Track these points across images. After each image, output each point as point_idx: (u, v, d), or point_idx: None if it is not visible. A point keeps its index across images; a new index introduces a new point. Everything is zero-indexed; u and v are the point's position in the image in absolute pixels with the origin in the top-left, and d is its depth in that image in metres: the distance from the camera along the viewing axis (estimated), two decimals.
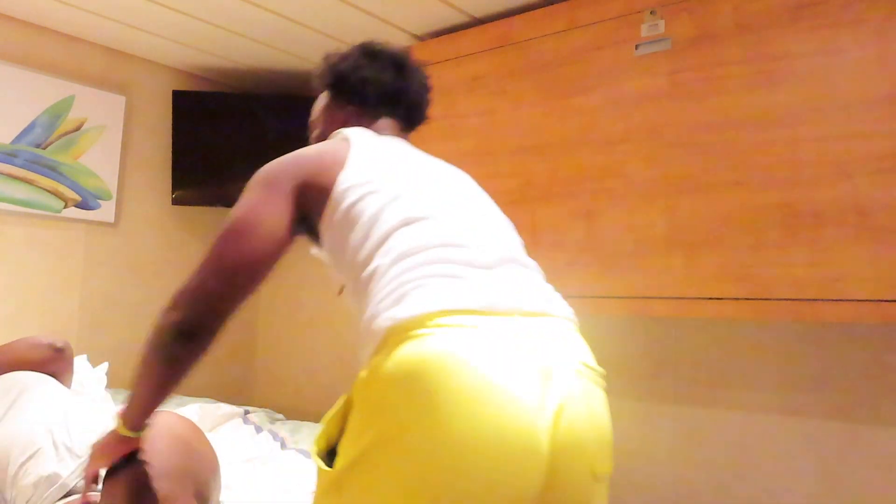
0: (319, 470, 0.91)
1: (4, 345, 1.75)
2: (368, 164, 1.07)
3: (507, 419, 0.80)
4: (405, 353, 0.84)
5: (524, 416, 0.81)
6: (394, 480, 0.80)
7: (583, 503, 0.87)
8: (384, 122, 1.27)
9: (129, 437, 1.13)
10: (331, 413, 0.93)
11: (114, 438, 1.14)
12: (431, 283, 0.91)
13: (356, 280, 1.00)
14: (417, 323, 0.86)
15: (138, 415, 1.10)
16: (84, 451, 1.43)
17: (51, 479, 1.36)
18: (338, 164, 1.07)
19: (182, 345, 1.00)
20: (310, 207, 1.07)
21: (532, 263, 1.04)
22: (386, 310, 0.90)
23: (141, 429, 1.13)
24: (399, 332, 0.86)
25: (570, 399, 0.86)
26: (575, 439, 0.85)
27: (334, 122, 1.27)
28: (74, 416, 1.53)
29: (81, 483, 1.38)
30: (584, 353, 0.95)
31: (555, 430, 0.83)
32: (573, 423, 0.85)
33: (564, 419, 0.84)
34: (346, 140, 1.13)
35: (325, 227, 1.06)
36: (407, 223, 0.99)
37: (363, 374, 0.88)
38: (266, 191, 1.05)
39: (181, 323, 1.00)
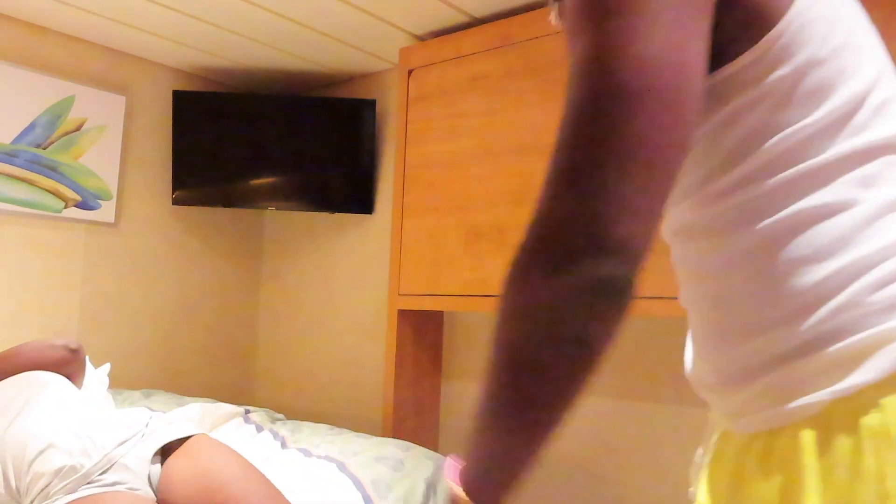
0: None
1: (19, 346, 1.75)
2: (837, 8, 0.65)
3: None
4: None
5: None
6: None
7: None
8: None
9: None
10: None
11: None
12: None
13: (770, 194, 0.60)
14: None
15: (497, 479, 0.60)
16: (108, 443, 1.43)
17: (74, 468, 1.36)
18: None
19: (606, 306, 0.54)
20: (719, 35, 0.60)
21: None
22: None
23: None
24: None
25: None
26: None
27: None
28: (93, 411, 1.54)
29: (99, 476, 1.39)
30: None
31: None
32: None
33: None
34: None
35: (734, 81, 0.61)
36: None
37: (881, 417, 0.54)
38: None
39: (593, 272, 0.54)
